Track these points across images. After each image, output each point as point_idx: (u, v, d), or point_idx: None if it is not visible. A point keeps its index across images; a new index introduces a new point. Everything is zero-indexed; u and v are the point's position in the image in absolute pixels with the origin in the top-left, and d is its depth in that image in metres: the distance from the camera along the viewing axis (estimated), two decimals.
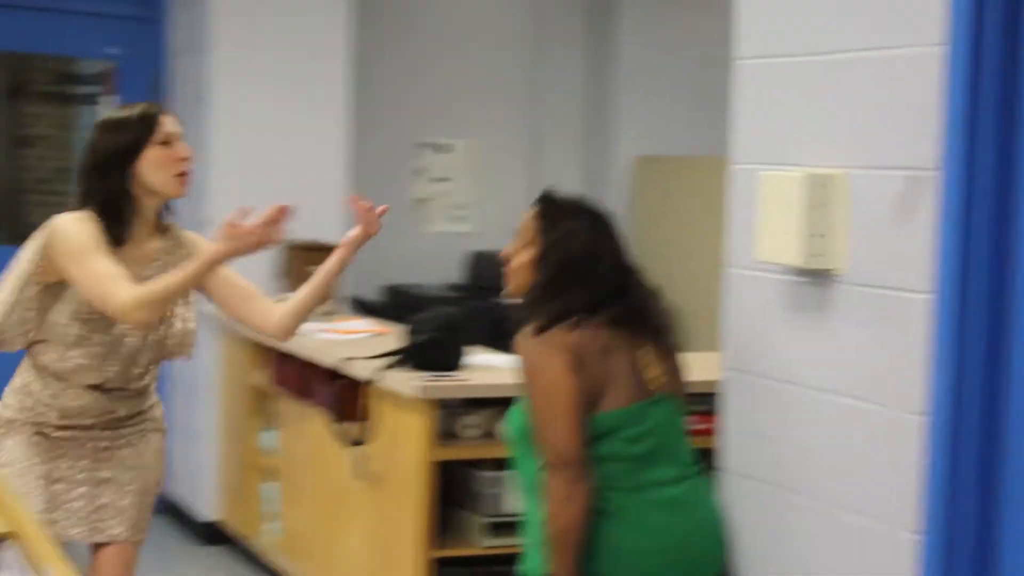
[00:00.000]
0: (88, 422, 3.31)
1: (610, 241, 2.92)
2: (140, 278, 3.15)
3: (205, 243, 3.34)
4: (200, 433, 5.91)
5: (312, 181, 5.88)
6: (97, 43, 6.19)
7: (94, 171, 3.21)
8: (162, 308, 3.15)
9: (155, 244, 3.31)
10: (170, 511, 6.14)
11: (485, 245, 6.55)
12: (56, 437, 3.30)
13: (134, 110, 3.26)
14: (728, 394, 2.94)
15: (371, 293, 6.51)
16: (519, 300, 2.96)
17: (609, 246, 2.91)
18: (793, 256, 2.63)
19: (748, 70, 2.86)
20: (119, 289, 3.04)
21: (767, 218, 2.71)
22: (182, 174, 3.21)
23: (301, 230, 5.77)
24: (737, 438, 2.92)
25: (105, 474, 3.35)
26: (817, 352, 2.69)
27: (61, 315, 3.22)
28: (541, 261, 2.90)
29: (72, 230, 3.13)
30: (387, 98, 6.66)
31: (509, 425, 3.00)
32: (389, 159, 6.73)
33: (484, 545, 4.25)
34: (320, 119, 5.99)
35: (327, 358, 4.68)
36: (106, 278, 3.05)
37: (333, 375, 4.66)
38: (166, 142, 3.20)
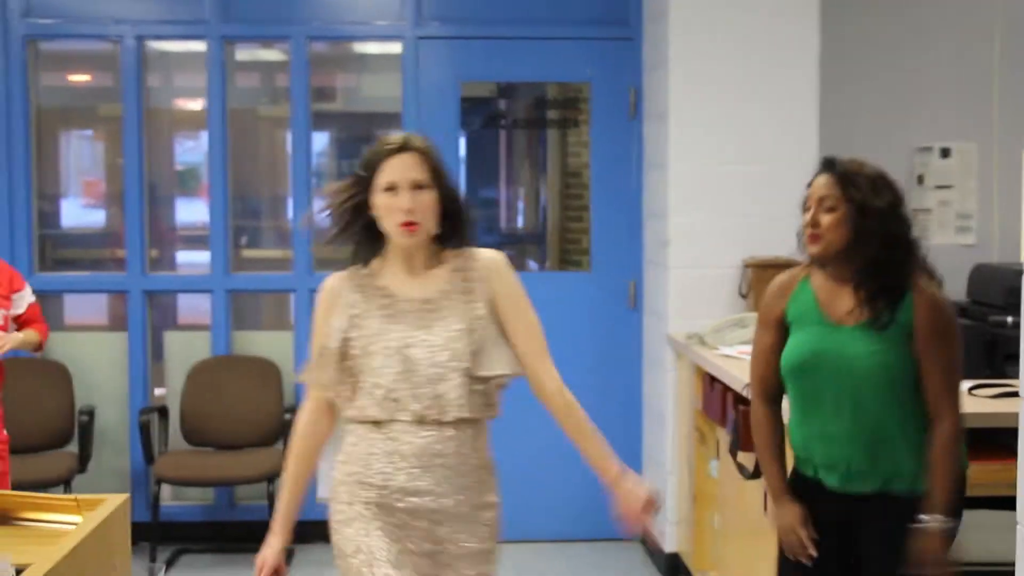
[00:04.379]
0: None
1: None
2: (420, 311, 3.06)
3: (494, 261, 3.14)
4: (663, 462, 5.73)
5: (775, 194, 5.51)
6: (574, 65, 6.20)
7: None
8: None
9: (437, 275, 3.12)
10: (642, 539, 6.02)
11: (989, 258, 5.85)
12: None
13: (375, 148, 3.08)
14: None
15: None
16: (826, 260, 3.28)
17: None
18: None
19: None
20: None
21: None
22: (406, 224, 2.98)
23: (763, 245, 5.50)
24: None
25: None
26: None
27: None
28: (856, 223, 3.22)
29: None
30: (867, 100, 6.11)
31: (874, 366, 3.23)
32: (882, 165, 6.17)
33: None
34: (789, 126, 5.60)
35: (735, 382, 4.34)
36: None
37: (739, 399, 4.32)
38: (389, 188, 2.99)
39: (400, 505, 3.00)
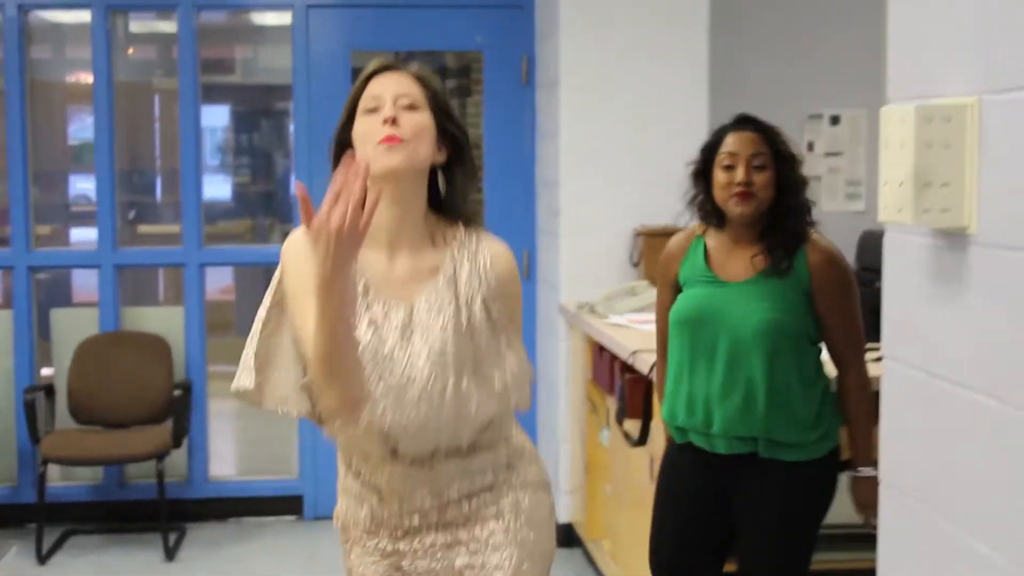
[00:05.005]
0: None
1: None
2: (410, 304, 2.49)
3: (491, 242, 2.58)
4: (556, 431, 5.71)
5: (666, 162, 5.50)
6: (465, 33, 6.14)
7: None
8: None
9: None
10: None
11: (878, 225, 5.88)
12: None
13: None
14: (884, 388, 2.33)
15: None
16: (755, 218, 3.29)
17: None
18: (908, 213, 2.02)
19: None
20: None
21: (885, 167, 2.10)
22: (386, 139, 2.41)
23: (654, 214, 5.49)
24: (892, 444, 2.30)
25: None
26: (953, 336, 2.05)
27: None
28: (783, 178, 3.30)
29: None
30: (757, 68, 6.12)
31: (771, 326, 3.22)
32: None
33: None
34: (679, 94, 5.59)
35: (622, 350, 4.33)
36: None
37: (626, 368, 4.31)
38: (371, 110, 2.47)
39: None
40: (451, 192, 2.54)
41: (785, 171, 3.31)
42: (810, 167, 6.18)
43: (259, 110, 9.35)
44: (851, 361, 3.30)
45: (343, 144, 2.51)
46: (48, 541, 5.65)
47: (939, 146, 1.98)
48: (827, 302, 3.26)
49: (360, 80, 2.53)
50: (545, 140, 5.88)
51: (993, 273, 1.92)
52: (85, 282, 6.37)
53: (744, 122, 3.39)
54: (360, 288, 2.45)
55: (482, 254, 2.52)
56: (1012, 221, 1.86)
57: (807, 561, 3.35)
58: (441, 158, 2.52)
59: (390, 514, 2.56)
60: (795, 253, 3.26)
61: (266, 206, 9.26)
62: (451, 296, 2.47)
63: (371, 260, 2.47)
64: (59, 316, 6.21)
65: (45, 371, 6.19)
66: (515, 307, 2.57)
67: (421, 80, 2.51)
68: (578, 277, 5.53)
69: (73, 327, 6.07)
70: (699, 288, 3.35)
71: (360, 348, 2.37)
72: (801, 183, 3.34)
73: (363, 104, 2.48)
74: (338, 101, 5.91)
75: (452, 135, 2.52)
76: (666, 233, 5.33)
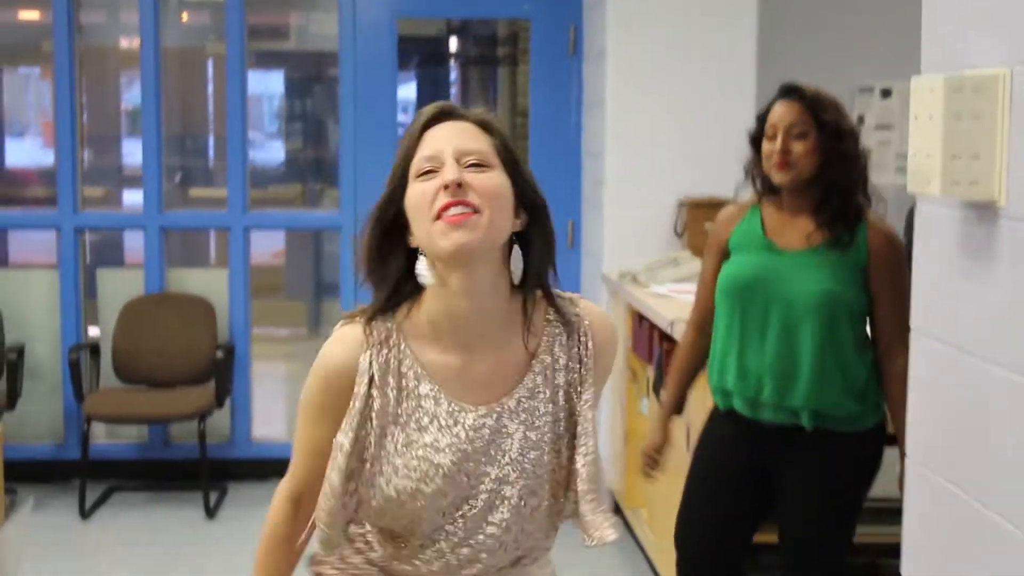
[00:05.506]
0: None
1: None
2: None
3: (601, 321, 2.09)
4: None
5: (712, 133, 5.47)
6: (513, 1, 6.11)
7: None
8: None
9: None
10: None
11: None
12: None
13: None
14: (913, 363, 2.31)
15: None
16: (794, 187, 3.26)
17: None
18: (936, 185, 1.99)
19: None
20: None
21: (914, 138, 2.07)
22: (450, 205, 1.89)
23: (700, 185, 5.46)
24: (919, 419, 2.28)
25: None
26: (981, 311, 2.02)
27: None
28: (826, 148, 3.21)
29: None
30: (806, 39, 6.06)
31: (819, 297, 3.19)
32: None
33: None
34: (727, 66, 5.54)
35: (661, 320, 4.32)
36: None
37: (664, 337, 4.30)
38: (425, 172, 1.94)
39: None
40: (530, 265, 1.98)
41: (827, 141, 3.26)
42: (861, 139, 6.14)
43: (312, 76, 9.37)
44: (899, 346, 3.22)
45: (393, 220, 1.98)
46: (91, 497, 5.72)
47: (969, 117, 1.95)
48: (882, 281, 3.24)
49: (411, 134, 1.99)
50: (591, 110, 5.85)
51: (1021, 247, 1.89)
52: (136, 244, 6.42)
53: (788, 92, 3.35)
54: (431, 397, 1.97)
55: (580, 333, 2.04)
56: None
57: (850, 533, 3.34)
58: (519, 225, 1.98)
59: None
60: (855, 228, 3.23)
61: (317, 171, 9.30)
62: (548, 394, 2.01)
63: (442, 364, 1.98)
64: (105, 276, 6.27)
65: (92, 331, 6.26)
66: (604, 384, 2.12)
67: (488, 129, 1.99)
68: (621, 247, 5.52)
69: (119, 288, 6.13)
70: (753, 255, 3.33)
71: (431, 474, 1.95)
72: (848, 155, 3.27)
73: (416, 166, 1.95)
74: (384, 70, 5.98)
75: (528, 196, 1.98)
76: (711, 204, 5.32)
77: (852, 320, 3.25)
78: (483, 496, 1.96)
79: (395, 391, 1.96)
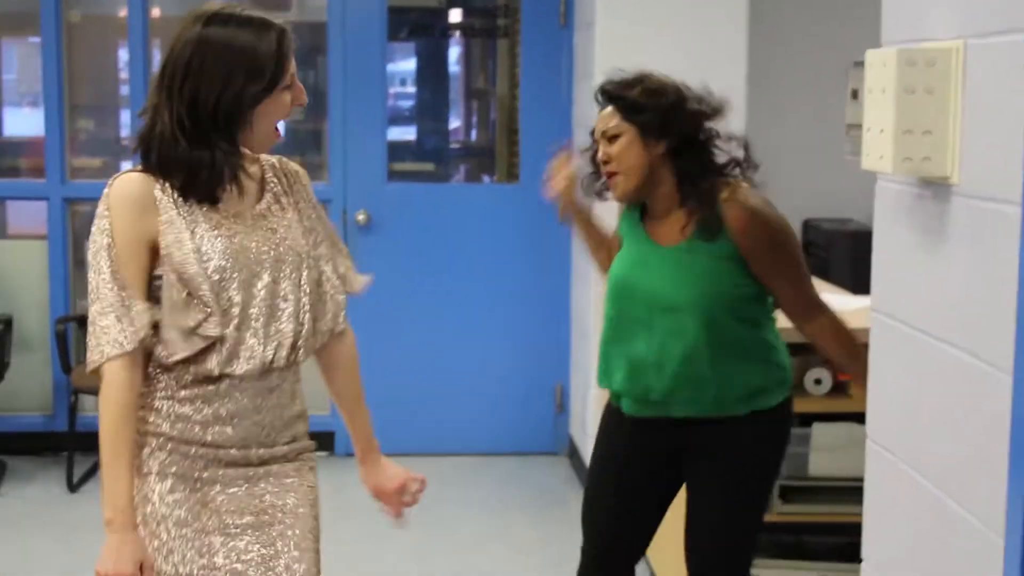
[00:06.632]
0: None
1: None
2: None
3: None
4: (587, 374, 5.69)
5: None
6: None
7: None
8: None
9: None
10: (572, 455, 6.03)
11: None
12: None
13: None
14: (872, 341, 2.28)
15: None
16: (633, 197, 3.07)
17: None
18: (888, 161, 1.95)
19: None
20: None
21: (868, 113, 2.03)
22: None
23: None
24: (879, 400, 2.26)
25: None
26: (934, 289, 1.99)
27: None
28: (655, 139, 2.99)
29: None
30: (798, 13, 6.00)
31: (696, 292, 2.97)
32: (815, 81, 6.09)
33: (777, 512, 3.74)
34: (718, 40, 5.48)
35: None
36: None
37: None
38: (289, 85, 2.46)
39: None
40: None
41: (653, 132, 2.99)
42: (854, 115, 6.07)
43: (315, 47, 9.33)
44: (809, 314, 3.03)
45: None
46: (80, 470, 5.72)
47: (922, 92, 1.91)
48: (760, 259, 2.97)
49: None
50: (582, 82, 5.80)
51: (974, 225, 1.85)
52: None
53: (596, 97, 3.12)
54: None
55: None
56: (994, 172, 1.79)
57: (759, 520, 3.16)
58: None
59: None
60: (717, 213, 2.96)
61: (316, 144, 9.25)
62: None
63: None
64: None
65: (83, 302, 6.24)
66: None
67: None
68: (613, 218, 5.46)
69: None
70: (632, 248, 3.11)
71: None
72: (687, 137, 3.00)
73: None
74: (373, 42, 5.93)
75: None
76: None
77: (736, 311, 3.01)
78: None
79: None
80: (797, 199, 5.90)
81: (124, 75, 7.63)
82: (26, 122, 9.30)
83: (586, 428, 5.60)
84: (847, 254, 5.76)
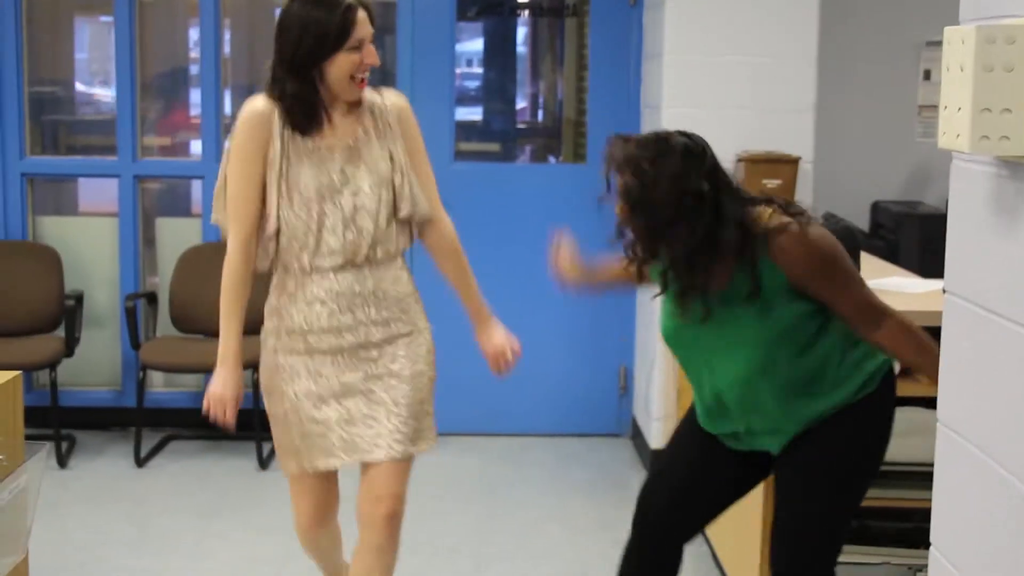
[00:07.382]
0: None
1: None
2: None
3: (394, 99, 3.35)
4: (650, 356, 5.66)
5: (771, 88, 5.37)
6: None
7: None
8: None
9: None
10: (635, 436, 6.01)
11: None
12: None
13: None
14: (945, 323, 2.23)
15: (854, 212, 5.86)
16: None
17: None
18: (965, 140, 1.91)
19: None
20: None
21: (945, 91, 1.99)
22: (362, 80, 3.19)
23: (758, 140, 5.36)
24: (950, 383, 2.21)
25: None
26: (1011, 271, 1.95)
27: None
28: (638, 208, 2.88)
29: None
30: None
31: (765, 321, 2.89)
32: (887, 61, 6.00)
33: None
34: (788, 20, 5.41)
35: None
36: None
37: None
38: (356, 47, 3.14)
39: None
40: None
41: (633, 206, 2.87)
42: (927, 96, 6.00)
43: (384, 27, 9.34)
44: (869, 326, 2.93)
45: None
46: (147, 445, 5.78)
47: (1001, 69, 1.87)
48: (818, 285, 2.88)
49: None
50: (650, 61, 5.77)
51: None
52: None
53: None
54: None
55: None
56: None
57: (850, 514, 3.11)
58: None
59: None
60: (756, 269, 2.84)
61: None
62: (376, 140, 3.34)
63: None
64: (164, 225, 6.31)
65: (153, 279, 6.31)
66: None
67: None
68: None
69: (178, 237, 6.17)
70: (666, 315, 3.05)
71: None
72: (674, 201, 2.82)
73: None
74: (442, 20, 5.92)
75: None
76: (769, 160, 5.24)
77: (791, 341, 2.92)
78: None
79: None
80: (866, 182, 5.84)
81: (194, 54, 7.67)
82: (98, 100, 9.40)
83: (650, 410, 5.59)
84: (916, 237, 5.69)
